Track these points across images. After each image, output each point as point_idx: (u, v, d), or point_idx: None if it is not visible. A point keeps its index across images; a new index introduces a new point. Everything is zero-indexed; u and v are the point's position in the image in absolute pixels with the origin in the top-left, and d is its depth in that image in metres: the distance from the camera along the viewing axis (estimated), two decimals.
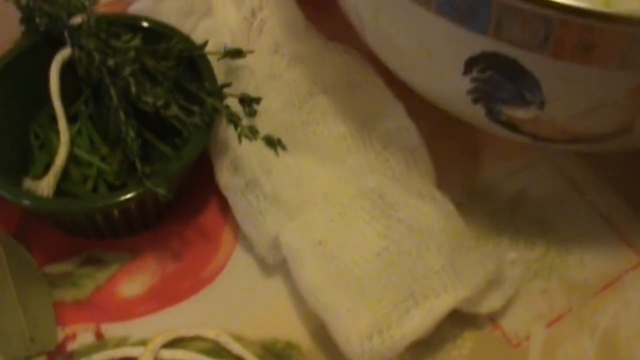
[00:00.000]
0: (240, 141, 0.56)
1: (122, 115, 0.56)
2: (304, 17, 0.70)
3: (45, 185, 0.58)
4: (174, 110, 0.56)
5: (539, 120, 0.51)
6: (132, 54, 0.58)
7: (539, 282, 0.59)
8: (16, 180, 0.59)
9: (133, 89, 0.56)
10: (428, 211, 0.56)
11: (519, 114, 0.52)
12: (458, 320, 0.56)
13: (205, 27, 0.68)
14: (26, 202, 0.56)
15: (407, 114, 0.62)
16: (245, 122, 0.57)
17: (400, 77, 0.59)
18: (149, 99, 0.56)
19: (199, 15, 0.68)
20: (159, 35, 0.63)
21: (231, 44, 0.65)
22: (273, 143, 0.55)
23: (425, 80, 0.56)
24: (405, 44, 0.54)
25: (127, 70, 0.56)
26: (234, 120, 0.56)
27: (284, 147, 0.55)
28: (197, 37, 0.65)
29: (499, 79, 0.50)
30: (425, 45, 0.52)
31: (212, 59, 0.62)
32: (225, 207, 0.61)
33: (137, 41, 0.59)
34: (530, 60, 0.47)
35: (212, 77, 0.61)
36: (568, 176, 0.64)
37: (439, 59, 0.52)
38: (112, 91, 0.57)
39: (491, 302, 0.56)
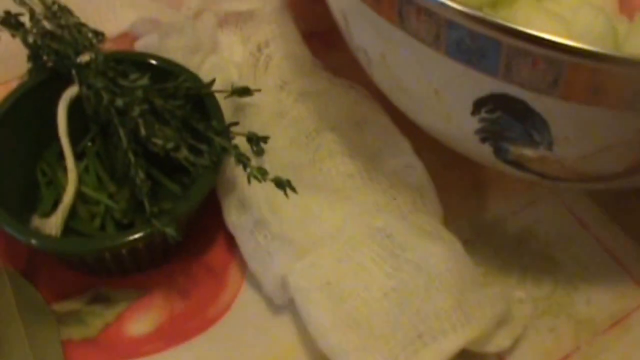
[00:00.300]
0: (249, 182, 0.56)
1: (131, 157, 0.56)
2: (310, 53, 0.70)
3: (53, 224, 0.58)
4: (184, 152, 0.56)
5: (547, 160, 0.51)
6: (140, 93, 0.58)
7: (546, 320, 0.59)
8: (24, 217, 0.59)
9: (143, 131, 0.56)
10: (436, 251, 0.56)
11: (527, 153, 0.52)
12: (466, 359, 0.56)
13: (212, 64, 0.68)
14: (34, 241, 0.56)
15: (413, 152, 0.62)
16: (253, 161, 0.57)
17: (407, 115, 0.59)
18: (159, 141, 0.56)
19: (206, 52, 0.69)
20: (167, 73, 0.63)
21: (238, 81, 0.66)
22: (282, 184, 0.55)
23: (432, 119, 0.56)
24: (413, 84, 0.54)
25: (136, 111, 0.56)
26: (243, 161, 0.56)
27: (293, 189, 0.55)
28: (204, 74, 0.65)
29: (508, 120, 0.50)
30: (433, 85, 0.52)
31: (220, 97, 0.62)
32: (232, 244, 0.61)
33: (145, 80, 0.59)
34: (539, 102, 0.47)
35: (219, 115, 0.61)
36: (575, 213, 0.64)
37: (447, 99, 0.52)
38: (121, 132, 0.57)
39: (500, 342, 0.56)
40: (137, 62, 0.64)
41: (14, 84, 0.67)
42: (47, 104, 0.61)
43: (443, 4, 0.45)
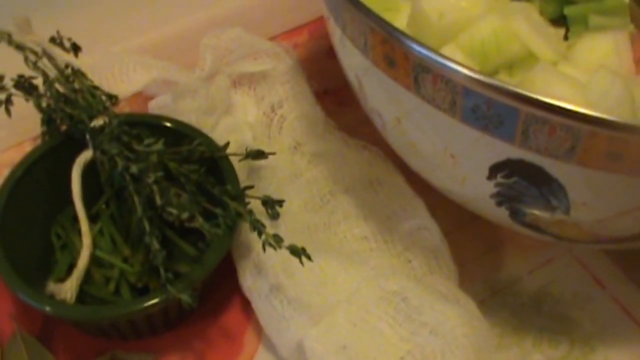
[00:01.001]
0: (264, 249, 0.56)
1: (146, 225, 0.56)
2: (324, 113, 0.70)
3: (68, 288, 0.58)
4: (199, 221, 0.56)
5: (564, 223, 0.51)
6: (154, 157, 0.58)
7: None
8: (39, 281, 0.59)
9: (158, 200, 0.56)
10: (452, 315, 0.56)
11: (544, 217, 0.52)
12: None
13: (226, 125, 0.68)
14: (48, 308, 0.55)
15: (428, 213, 0.62)
16: (268, 226, 0.57)
17: (421, 176, 0.59)
18: (174, 211, 0.56)
19: (219, 113, 0.69)
20: (181, 135, 0.63)
21: (252, 141, 0.66)
22: (298, 252, 0.55)
23: (448, 182, 0.56)
24: (428, 148, 0.54)
25: (151, 178, 0.56)
26: (258, 227, 0.56)
27: (308, 257, 0.55)
28: (218, 135, 0.65)
29: (524, 185, 0.50)
30: (449, 150, 0.52)
31: (234, 159, 0.62)
32: (247, 306, 0.61)
33: (159, 145, 0.59)
34: (556, 168, 0.47)
35: (234, 179, 0.61)
36: (591, 271, 0.64)
37: (462, 163, 0.52)
38: (136, 200, 0.57)
39: None
40: (152, 124, 0.64)
41: (27, 146, 0.67)
42: (61, 167, 0.61)
43: (459, 72, 0.45)
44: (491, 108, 0.46)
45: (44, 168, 0.63)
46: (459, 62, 0.46)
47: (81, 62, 0.64)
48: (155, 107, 0.71)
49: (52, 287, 0.58)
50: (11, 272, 0.57)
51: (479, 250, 0.66)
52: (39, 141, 0.65)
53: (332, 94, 0.75)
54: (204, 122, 0.67)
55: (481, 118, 0.47)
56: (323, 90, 0.75)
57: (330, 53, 0.66)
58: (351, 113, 0.70)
